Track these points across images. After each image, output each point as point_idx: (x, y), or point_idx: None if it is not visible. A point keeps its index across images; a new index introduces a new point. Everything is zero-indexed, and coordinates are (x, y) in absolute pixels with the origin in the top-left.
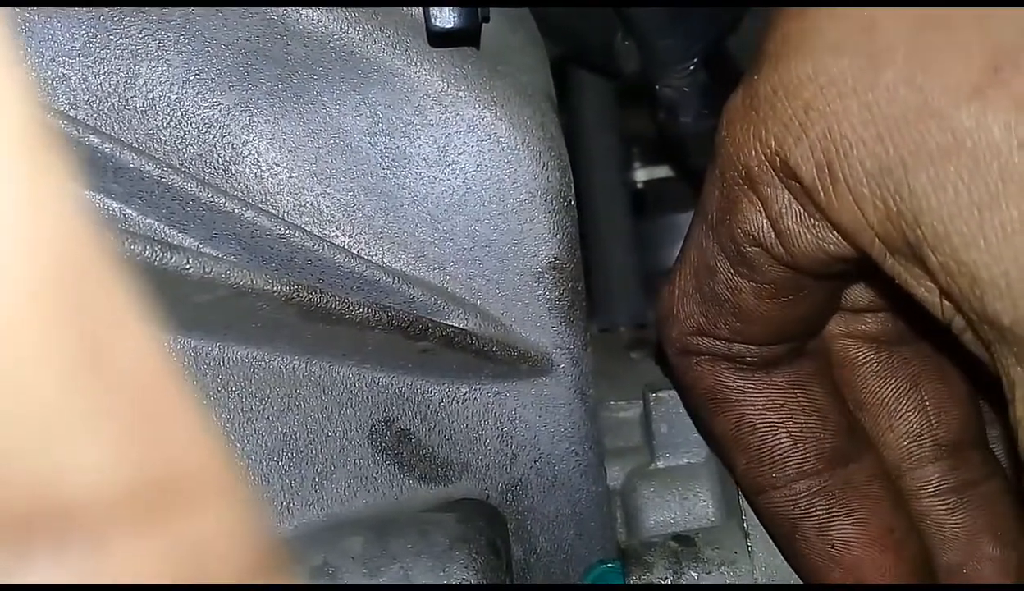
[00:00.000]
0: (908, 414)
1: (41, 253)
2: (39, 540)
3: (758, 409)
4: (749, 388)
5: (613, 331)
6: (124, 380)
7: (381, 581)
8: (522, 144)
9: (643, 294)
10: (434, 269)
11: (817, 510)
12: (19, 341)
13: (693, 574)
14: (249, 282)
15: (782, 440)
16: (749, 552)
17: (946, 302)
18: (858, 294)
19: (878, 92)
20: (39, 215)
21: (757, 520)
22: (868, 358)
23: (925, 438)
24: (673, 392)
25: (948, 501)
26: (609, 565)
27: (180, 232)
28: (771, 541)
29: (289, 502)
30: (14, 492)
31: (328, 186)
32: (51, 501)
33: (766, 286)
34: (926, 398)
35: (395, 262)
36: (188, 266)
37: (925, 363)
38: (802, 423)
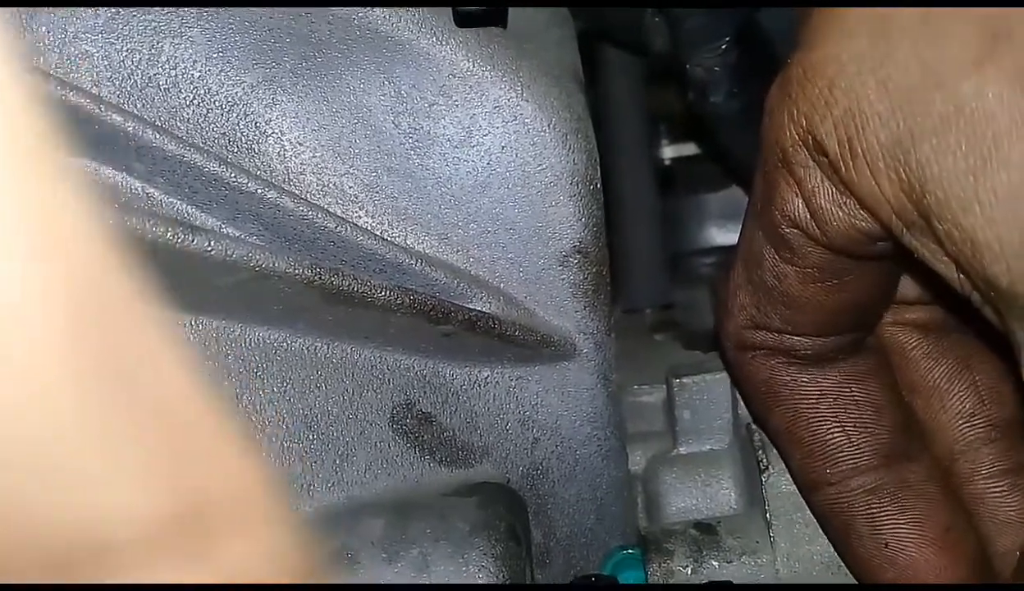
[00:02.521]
0: (960, 395)
1: (63, 293)
2: (80, 577)
3: (812, 403)
4: (803, 382)
5: (637, 312)
6: (159, 413)
7: (400, 566)
8: (548, 126)
9: (668, 275)
10: (457, 251)
11: (872, 508)
12: (52, 389)
13: (714, 563)
14: (271, 265)
15: (836, 435)
16: (771, 542)
17: (962, 275)
18: (906, 287)
19: (891, 68)
20: (55, 249)
21: (780, 510)
22: (918, 343)
23: (978, 418)
24: (697, 378)
25: (1003, 484)
26: (629, 551)
27: (203, 212)
28: (794, 531)
29: (310, 484)
30: (53, 535)
31: (351, 166)
32: (91, 540)
33: (809, 270)
34: (978, 379)
35: (418, 244)
36: (210, 248)
37: (975, 346)
38: (857, 419)
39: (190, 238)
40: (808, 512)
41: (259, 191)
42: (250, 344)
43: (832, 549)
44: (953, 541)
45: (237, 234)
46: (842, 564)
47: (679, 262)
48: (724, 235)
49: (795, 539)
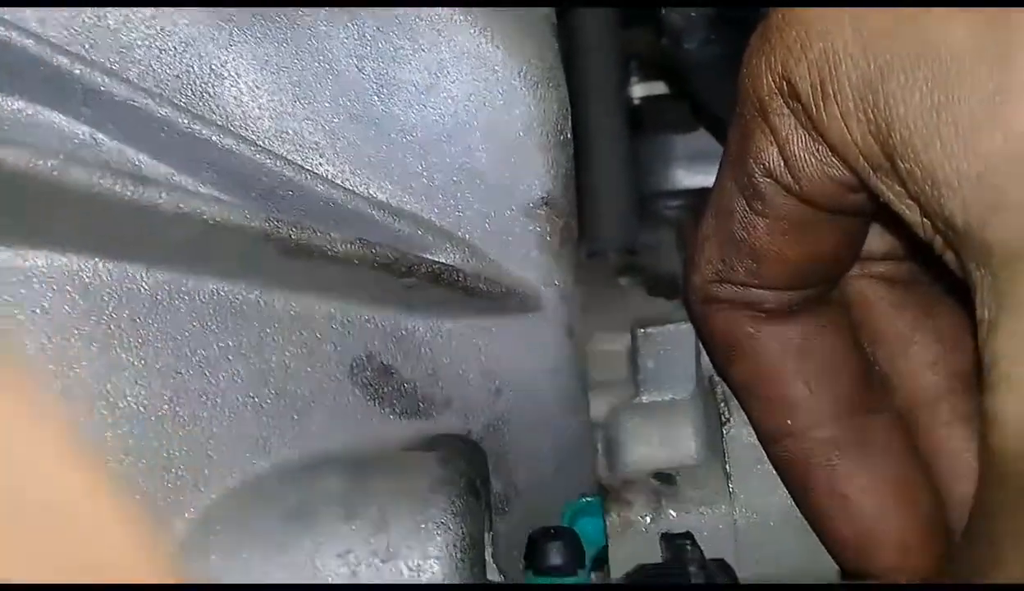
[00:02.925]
0: (923, 344)
1: None
2: None
3: (774, 356)
4: (766, 335)
5: (602, 256)
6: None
7: (358, 523)
8: (518, 73)
9: (635, 219)
10: (422, 201)
11: (831, 460)
12: None
13: (672, 513)
14: (226, 217)
15: (797, 388)
16: (730, 493)
17: (925, 219)
18: (873, 243)
19: (866, 11)
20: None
21: (740, 462)
22: (883, 294)
23: (940, 367)
24: (662, 328)
25: (963, 432)
26: (588, 500)
27: (154, 159)
28: (753, 483)
29: (266, 440)
30: None
31: (312, 112)
32: None
33: (780, 222)
34: (942, 328)
35: (381, 193)
36: (161, 200)
37: (940, 297)
38: (818, 372)
39: (140, 190)
40: (767, 464)
41: (214, 137)
42: (203, 297)
43: (790, 501)
44: (910, 496)
45: (190, 184)
46: (800, 516)
47: (644, 204)
48: (691, 177)
49: (754, 491)
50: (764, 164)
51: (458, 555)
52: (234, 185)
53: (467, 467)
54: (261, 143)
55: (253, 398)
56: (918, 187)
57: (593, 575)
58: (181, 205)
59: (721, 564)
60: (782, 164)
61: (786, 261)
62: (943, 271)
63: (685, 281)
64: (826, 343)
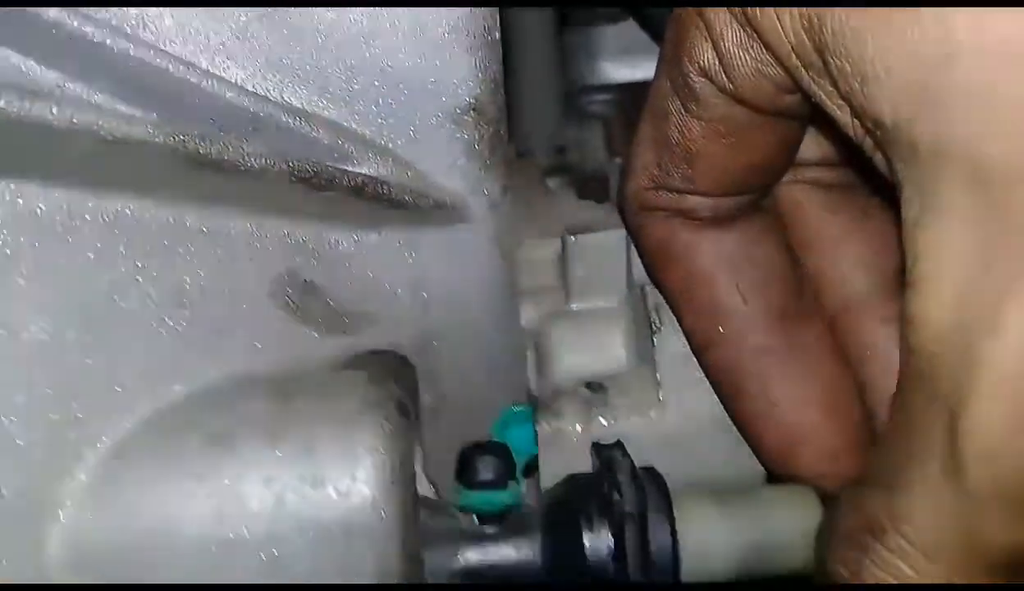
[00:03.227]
0: (855, 247)
1: None
2: None
3: (708, 264)
4: (700, 243)
5: (530, 155)
6: None
7: (283, 448)
8: None
9: (562, 115)
10: (340, 108)
11: (761, 368)
12: None
13: (603, 421)
14: (125, 132)
15: (730, 296)
16: (660, 400)
17: (855, 119)
18: (808, 149)
19: None
20: None
21: (670, 370)
22: (816, 199)
23: (872, 269)
24: (592, 235)
25: (891, 331)
26: (519, 409)
27: (44, 67)
28: (683, 391)
29: (183, 365)
30: None
31: (218, 10)
32: None
33: (715, 124)
34: (874, 231)
35: (296, 100)
36: (52, 117)
37: (872, 200)
38: (751, 279)
39: (27, 105)
40: (697, 372)
41: (110, 41)
42: (107, 217)
43: (720, 408)
44: (838, 403)
45: (83, 95)
46: (730, 422)
47: (572, 99)
48: (619, 71)
49: (683, 398)
50: (699, 63)
51: (388, 477)
52: (133, 94)
53: (396, 387)
54: (161, 46)
55: (167, 321)
56: (849, 84)
57: (524, 483)
58: (75, 119)
59: (651, 472)
60: (716, 62)
61: (721, 165)
62: (875, 175)
63: (620, 188)
64: (760, 251)
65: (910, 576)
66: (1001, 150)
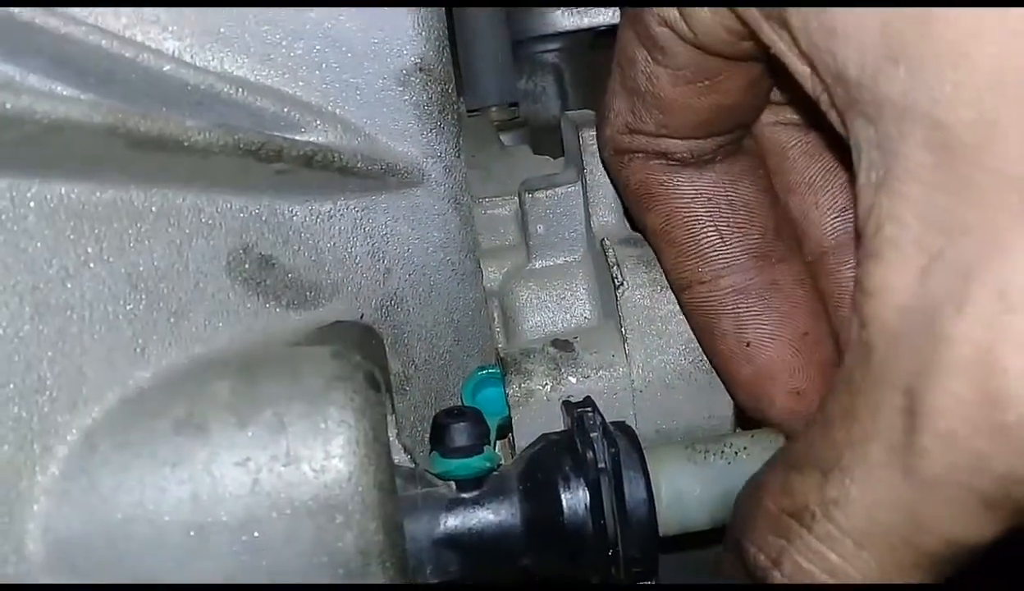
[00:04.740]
0: (835, 192)
1: None
2: None
3: (687, 203)
4: (679, 183)
5: (483, 111)
6: None
7: (253, 430)
8: None
9: (513, 68)
10: (284, 75)
11: (738, 307)
12: None
13: (572, 379)
14: (61, 115)
15: (709, 235)
16: (627, 355)
17: (812, 70)
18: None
19: None
20: None
21: (634, 323)
22: (797, 141)
23: (850, 214)
24: (549, 191)
25: None
26: (488, 371)
27: None
28: (647, 343)
29: (143, 347)
30: None
31: None
32: None
33: (681, 72)
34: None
35: (237, 69)
36: None
37: None
38: (730, 219)
39: None
40: (661, 324)
41: (38, 20)
42: (52, 202)
43: (683, 360)
44: (810, 344)
45: (16, 76)
46: (693, 372)
47: (520, 49)
48: (568, 18)
49: (649, 351)
50: (659, 13)
51: (361, 451)
52: (67, 73)
53: (362, 359)
54: (93, 21)
55: (123, 305)
56: (811, 38)
57: (498, 444)
58: (8, 105)
59: (622, 426)
60: (676, 12)
61: (692, 109)
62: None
63: (598, 133)
64: (739, 191)
65: (835, 562)
66: (972, 116)
